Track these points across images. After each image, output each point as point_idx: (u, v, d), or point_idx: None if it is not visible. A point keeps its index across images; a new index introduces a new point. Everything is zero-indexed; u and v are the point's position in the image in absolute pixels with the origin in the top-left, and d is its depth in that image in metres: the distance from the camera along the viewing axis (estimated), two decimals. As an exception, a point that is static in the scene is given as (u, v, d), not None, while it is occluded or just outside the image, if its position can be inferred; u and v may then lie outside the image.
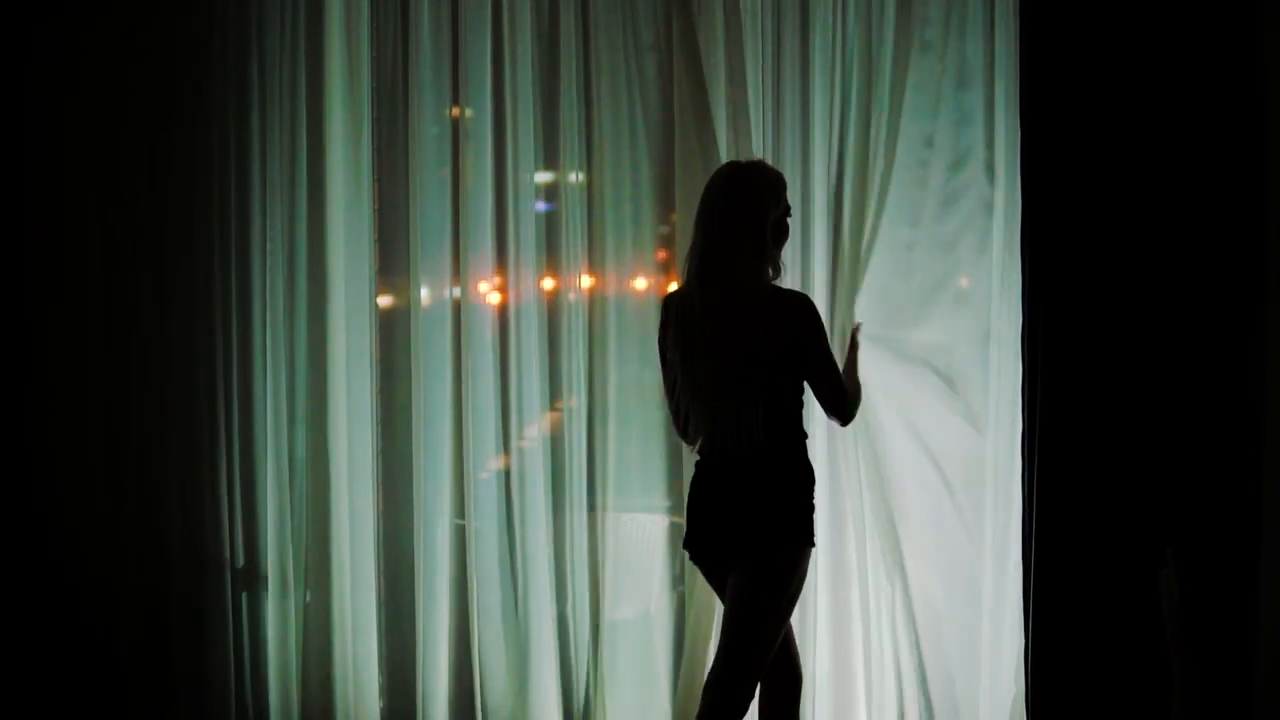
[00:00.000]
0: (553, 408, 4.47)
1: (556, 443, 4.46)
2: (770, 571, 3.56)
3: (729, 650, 3.58)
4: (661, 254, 4.43)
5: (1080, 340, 4.00)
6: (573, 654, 4.43)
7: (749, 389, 3.56)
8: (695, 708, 4.15)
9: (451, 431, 4.45)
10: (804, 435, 3.67)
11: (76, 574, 4.47)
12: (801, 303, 3.64)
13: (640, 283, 4.38)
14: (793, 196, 3.92)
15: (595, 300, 4.40)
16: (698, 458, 3.71)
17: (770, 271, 3.65)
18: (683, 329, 3.62)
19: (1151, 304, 3.95)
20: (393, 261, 4.50)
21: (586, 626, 4.41)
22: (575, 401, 4.42)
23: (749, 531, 3.56)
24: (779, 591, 3.57)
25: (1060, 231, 4.02)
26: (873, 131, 4.23)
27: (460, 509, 4.45)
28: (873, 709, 4.31)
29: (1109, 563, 4.00)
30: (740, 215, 3.60)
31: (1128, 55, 3.93)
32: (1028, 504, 4.09)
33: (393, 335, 4.51)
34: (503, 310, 4.45)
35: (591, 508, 4.42)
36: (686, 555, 3.76)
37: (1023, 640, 4.12)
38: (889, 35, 4.23)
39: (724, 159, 4.22)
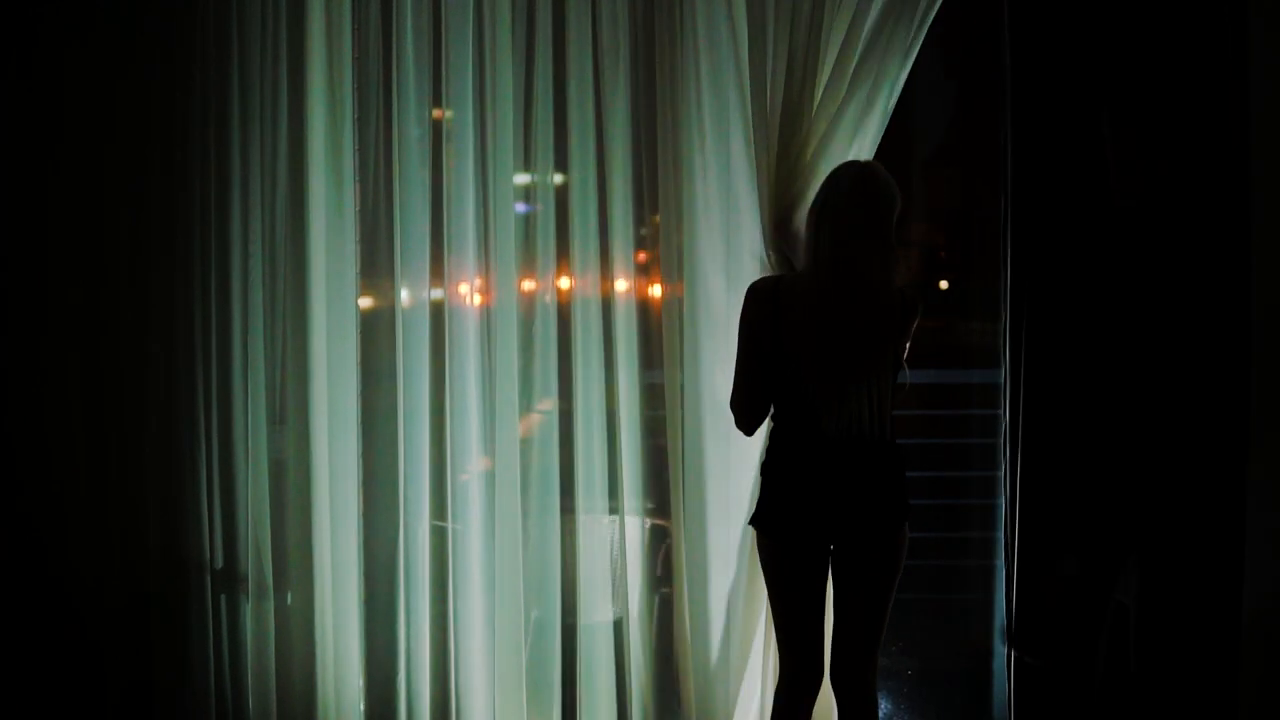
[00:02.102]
0: (533, 410, 4.45)
1: (537, 445, 4.44)
2: (900, 544, 3.80)
3: (870, 624, 3.83)
4: (640, 256, 4.42)
5: (1063, 342, 4.01)
6: (551, 657, 4.42)
7: (878, 379, 3.75)
8: (673, 709, 4.18)
9: (433, 433, 4.43)
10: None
11: (57, 575, 4.46)
12: (917, 302, 3.83)
13: (620, 284, 4.37)
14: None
15: (574, 302, 4.39)
16: (766, 441, 3.92)
17: (896, 271, 3.82)
18: (806, 317, 3.77)
19: (1135, 308, 3.95)
20: (375, 263, 4.48)
21: (571, 630, 4.40)
22: (555, 404, 4.40)
23: (883, 510, 3.77)
24: (902, 565, 3.83)
25: (1043, 233, 4.02)
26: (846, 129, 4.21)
27: (441, 511, 4.43)
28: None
29: (1093, 565, 4.01)
30: (875, 214, 3.76)
31: (1116, 59, 3.94)
32: (1010, 506, 4.09)
33: (375, 337, 4.49)
34: (483, 312, 4.43)
35: (570, 510, 4.41)
36: (754, 531, 3.93)
37: (1005, 642, 4.13)
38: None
39: (709, 159, 4.23)
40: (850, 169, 3.84)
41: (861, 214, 3.74)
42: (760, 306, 3.83)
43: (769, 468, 3.87)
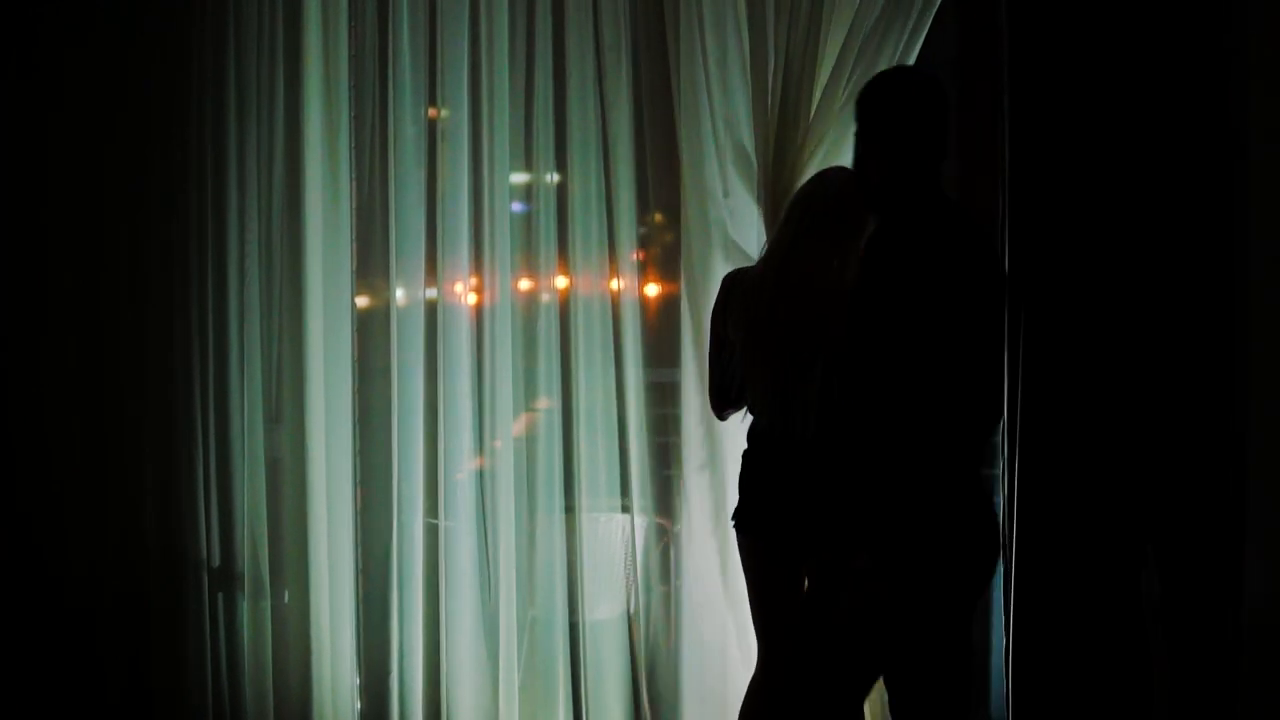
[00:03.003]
0: (529, 408, 4.45)
1: (533, 443, 4.45)
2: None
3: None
4: (637, 255, 4.42)
5: (1061, 338, 4.00)
6: (550, 655, 4.41)
7: (809, 381, 3.66)
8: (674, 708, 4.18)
9: (428, 432, 4.44)
10: None
11: (55, 573, 4.48)
12: None
13: (616, 284, 4.38)
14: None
15: (571, 301, 4.40)
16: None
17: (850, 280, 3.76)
18: (747, 311, 3.75)
19: (1134, 303, 3.95)
20: (370, 262, 4.49)
21: (565, 628, 4.40)
22: (552, 402, 4.41)
23: (827, 520, 3.65)
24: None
25: (1042, 230, 4.02)
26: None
27: (437, 509, 4.43)
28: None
29: (1090, 562, 4.00)
30: (845, 225, 3.72)
31: (1113, 57, 3.94)
32: (1008, 502, 4.08)
33: (370, 335, 4.49)
34: (479, 311, 4.44)
35: (568, 509, 4.41)
36: (733, 525, 3.85)
37: (1004, 639, 4.12)
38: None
39: (707, 161, 4.24)
40: (842, 173, 3.85)
41: (835, 218, 3.73)
42: (720, 296, 3.86)
43: (742, 461, 3.87)
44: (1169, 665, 3.89)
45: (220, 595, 4.48)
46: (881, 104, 3.15)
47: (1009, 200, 4.09)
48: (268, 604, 4.48)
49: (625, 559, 4.39)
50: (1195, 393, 3.91)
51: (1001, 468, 4.15)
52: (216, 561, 4.47)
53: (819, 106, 4.16)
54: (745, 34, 4.24)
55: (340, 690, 4.46)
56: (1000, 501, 4.19)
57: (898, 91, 3.22)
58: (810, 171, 4.12)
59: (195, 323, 4.43)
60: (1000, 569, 4.10)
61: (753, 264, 4.13)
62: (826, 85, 4.15)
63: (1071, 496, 4.01)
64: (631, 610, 4.42)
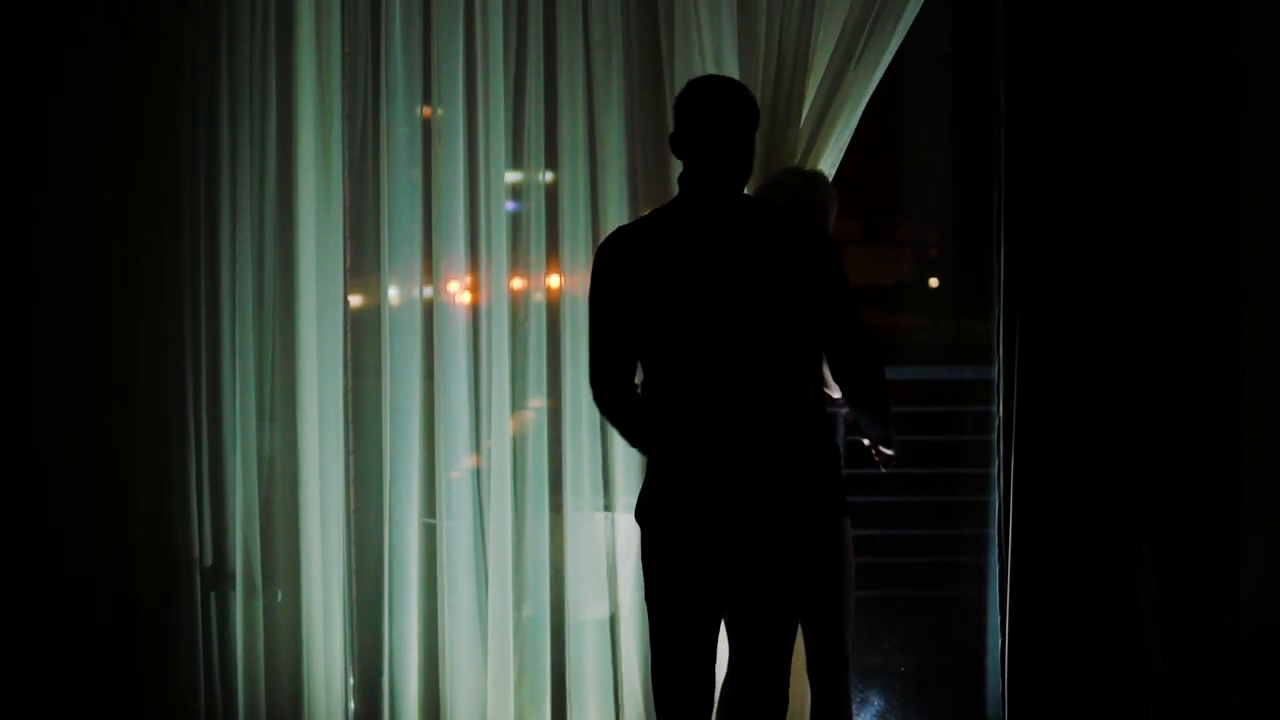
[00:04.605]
0: (523, 407, 4.45)
1: (526, 442, 4.43)
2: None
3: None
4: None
5: (1057, 338, 4.00)
6: (542, 654, 4.41)
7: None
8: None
9: (422, 431, 4.43)
10: None
11: (46, 572, 4.45)
12: None
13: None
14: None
15: (562, 300, 4.39)
16: None
17: None
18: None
19: (1130, 302, 3.95)
20: (363, 260, 4.47)
21: (557, 627, 4.39)
22: (546, 401, 4.40)
23: None
24: None
25: (1038, 231, 4.02)
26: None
27: (431, 508, 4.43)
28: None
29: (1086, 561, 4.00)
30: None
31: (1109, 54, 3.94)
32: (1004, 503, 4.08)
33: (363, 334, 4.48)
34: (474, 310, 4.43)
35: (559, 508, 4.40)
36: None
37: (1000, 639, 4.12)
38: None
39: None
40: (800, 174, 3.88)
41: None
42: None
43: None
44: (1166, 664, 3.89)
45: (213, 594, 4.45)
46: (694, 106, 3.26)
47: (1005, 197, 4.10)
48: (260, 603, 4.45)
49: (619, 558, 4.37)
50: (1191, 393, 3.91)
51: (997, 467, 4.15)
52: (209, 560, 4.45)
53: (811, 105, 4.16)
54: (737, 32, 4.23)
55: (333, 690, 4.44)
56: (995, 500, 4.20)
57: (708, 96, 3.30)
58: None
59: (188, 321, 4.41)
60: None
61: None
62: (820, 84, 4.15)
63: (1067, 496, 4.01)
64: (626, 610, 4.40)
